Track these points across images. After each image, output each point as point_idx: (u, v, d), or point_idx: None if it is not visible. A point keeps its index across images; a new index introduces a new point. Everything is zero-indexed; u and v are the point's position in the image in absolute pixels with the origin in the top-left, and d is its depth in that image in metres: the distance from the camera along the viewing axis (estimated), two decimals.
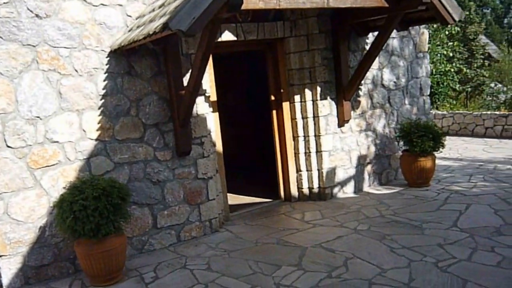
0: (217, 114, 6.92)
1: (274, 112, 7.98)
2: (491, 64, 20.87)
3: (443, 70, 16.39)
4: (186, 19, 4.19)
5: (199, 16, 4.24)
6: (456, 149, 11.06)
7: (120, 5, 5.62)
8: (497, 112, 13.27)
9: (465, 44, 19.80)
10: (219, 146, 6.91)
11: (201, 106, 6.31)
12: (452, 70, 16.76)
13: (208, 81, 6.55)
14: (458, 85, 17.76)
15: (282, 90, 7.85)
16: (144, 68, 5.85)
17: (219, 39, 6.65)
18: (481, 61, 20.28)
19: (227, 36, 6.83)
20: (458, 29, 18.15)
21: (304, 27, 7.63)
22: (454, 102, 17.76)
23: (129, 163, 5.71)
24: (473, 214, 5.98)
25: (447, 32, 17.35)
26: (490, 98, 19.20)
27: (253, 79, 10.58)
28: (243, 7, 4.55)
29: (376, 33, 7.49)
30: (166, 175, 5.94)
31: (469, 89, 19.24)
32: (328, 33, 7.66)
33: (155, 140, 5.89)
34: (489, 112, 13.37)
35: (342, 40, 7.66)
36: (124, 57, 5.68)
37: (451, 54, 17.26)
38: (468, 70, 19.03)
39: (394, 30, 7.89)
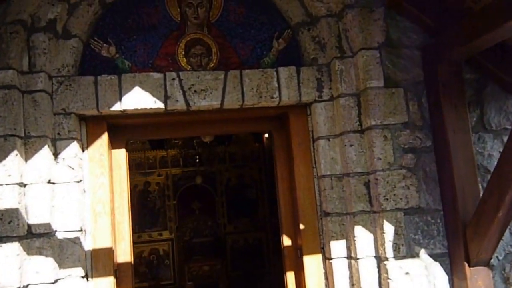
0: None
1: (289, 277, 3.32)
2: None
3: None
4: None
5: None
6: None
7: None
8: None
9: None
10: None
11: None
12: None
13: None
14: None
15: (302, 227, 3.22)
16: None
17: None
18: None
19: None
20: None
21: (349, 75, 3.11)
22: None
23: None
24: None
25: None
26: None
27: None
28: None
29: None
30: None
31: None
32: (413, 87, 3.01)
33: None
34: None
35: (455, 103, 2.90)
36: None
37: None
38: None
39: None
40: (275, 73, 3.19)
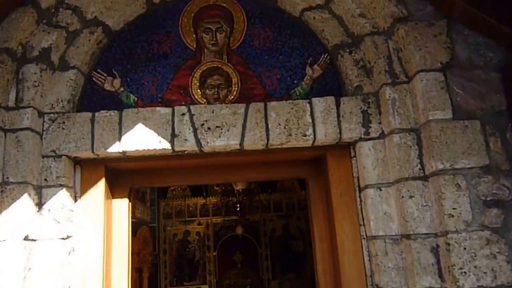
0: None
1: None
2: None
3: None
4: None
5: None
6: None
7: None
8: None
9: None
10: None
11: None
12: None
13: None
14: None
15: None
16: None
17: None
18: None
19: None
20: None
21: (404, 104, 2.41)
22: None
23: None
24: None
25: None
26: None
27: None
28: None
29: None
30: None
31: None
32: (493, 119, 2.26)
33: None
34: None
35: None
36: None
37: None
38: None
39: None
40: (308, 105, 2.56)
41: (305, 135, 2.52)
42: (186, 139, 2.50)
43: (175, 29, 2.80)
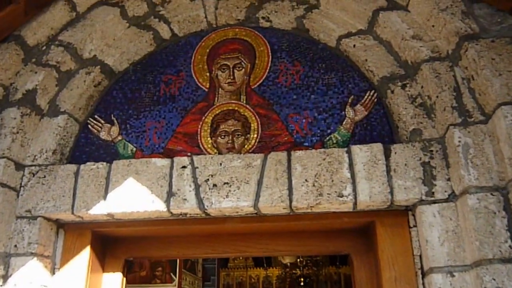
0: None
1: None
2: None
3: None
4: None
5: None
6: None
7: None
8: None
9: None
10: None
11: None
12: None
13: None
14: None
15: None
16: None
17: None
18: None
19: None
20: None
21: (483, 152, 1.69)
22: None
23: None
24: None
25: None
26: None
27: None
28: None
29: None
30: None
31: None
32: None
33: None
34: None
35: None
36: None
37: None
38: None
39: None
40: (345, 155, 1.92)
41: (341, 195, 1.86)
42: (185, 199, 1.95)
43: (186, 67, 2.36)
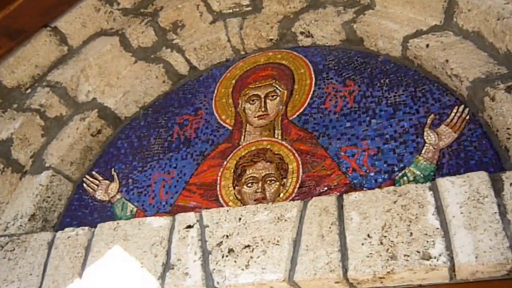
0: None
1: None
2: None
3: None
4: None
5: None
6: None
7: None
8: None
9: None
10: None
11: None
12: None
13: None
14: None
15: None
16: None
17: None
18: None
19: None
20: None
21: None
22: None
23: None
24: None
25: None
26: None
27: None
28: None
29: None
30: None
31: None
32: None
33: None
34: None
35: None
36: None
37: None
38: None
39: None
40: (429, 194, 1.19)
41: (427, 257, 1.11)
42: (186, 273, 1.30)
43: (206, 104, 1.86)
